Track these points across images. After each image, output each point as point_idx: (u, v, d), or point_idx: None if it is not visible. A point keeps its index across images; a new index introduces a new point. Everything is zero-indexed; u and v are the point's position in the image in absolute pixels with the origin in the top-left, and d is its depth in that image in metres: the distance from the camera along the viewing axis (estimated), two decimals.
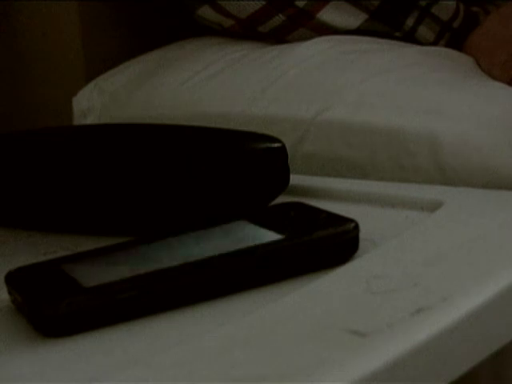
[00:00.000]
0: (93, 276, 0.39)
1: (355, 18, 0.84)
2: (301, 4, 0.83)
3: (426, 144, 0.65)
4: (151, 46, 0.93)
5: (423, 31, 0.86)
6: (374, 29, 0.84)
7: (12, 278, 0.40)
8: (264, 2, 0.84)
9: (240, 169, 0.50)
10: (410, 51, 0.80)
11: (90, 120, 0.86)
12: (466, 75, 0.75)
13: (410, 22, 0.85)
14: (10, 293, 0.40)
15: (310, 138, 0.70)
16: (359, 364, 0.31)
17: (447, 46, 0.87)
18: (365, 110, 0.69)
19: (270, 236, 0.42)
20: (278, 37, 0.86)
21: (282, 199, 0.51)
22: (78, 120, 0.87)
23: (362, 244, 0.43)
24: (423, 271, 0.40)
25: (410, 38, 0.86)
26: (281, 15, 0.84)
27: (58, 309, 0.36)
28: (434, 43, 0.87)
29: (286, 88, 0.75)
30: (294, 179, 0.54)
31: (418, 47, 0.82)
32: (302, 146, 0.70)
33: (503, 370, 0.53)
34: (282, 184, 0.53)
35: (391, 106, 0.68)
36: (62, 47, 0.95)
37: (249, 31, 0.87)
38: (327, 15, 0.84)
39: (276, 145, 0.52)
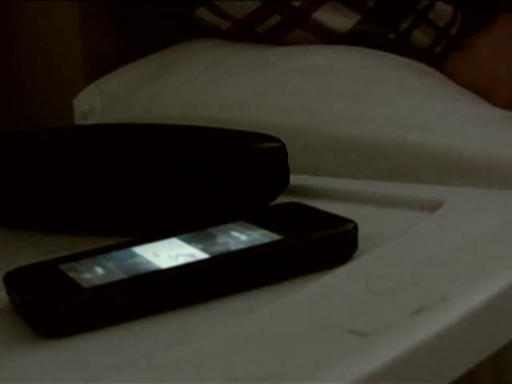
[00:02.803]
0: (92, 276, 0.39)
1: (350, 19, 0.84)
2: (297, 4, 0.83)
3: (427, 158, 0.65)
4: (151, 46, 0.93)
5: (419, 35, 0.86)
6: (368, 30, 0.84)
7: (11, 279, 0.40)
8: (259, 3, 0.84)
9: (240, 169, 0.50)
10: (408, 65, 0.80)
11: (91, 121, 0.86)
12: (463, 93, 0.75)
13: (405, 25, 0.85)
14: (8, 293, 0.40)
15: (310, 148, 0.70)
16: (359, 364, 0.31)
17: (443, 52, 0.87)
18: (366, 123, 0.69)
19: (270, 236, 0.42)
20: (276, 38, 0.86)
21: (281, 199, 0.51)
22: (79, 121, 0.87)
23: (361, 244, 0.43)
24: (423, 271, 0.40)
25: (405, 40, 0.85)
26: (277, 15, 0.84)
27: (56, 309, 0.36)
28: (430, 48, 0.87)
29: (288, 95, 0.74)
30: (294, 179, 0.54)
31: (415, 62, 0.82)
32: (302, 155, 0.70)
33: (503, 370, 0.53)
34: (282, 184, 0.52)
35: (392, 120, 0.69)
36: (62, 47, 0.95)
37: (246, 32, 0.87)
38: (322, 16, 0.84)
39: (276, 145, 0.52)
